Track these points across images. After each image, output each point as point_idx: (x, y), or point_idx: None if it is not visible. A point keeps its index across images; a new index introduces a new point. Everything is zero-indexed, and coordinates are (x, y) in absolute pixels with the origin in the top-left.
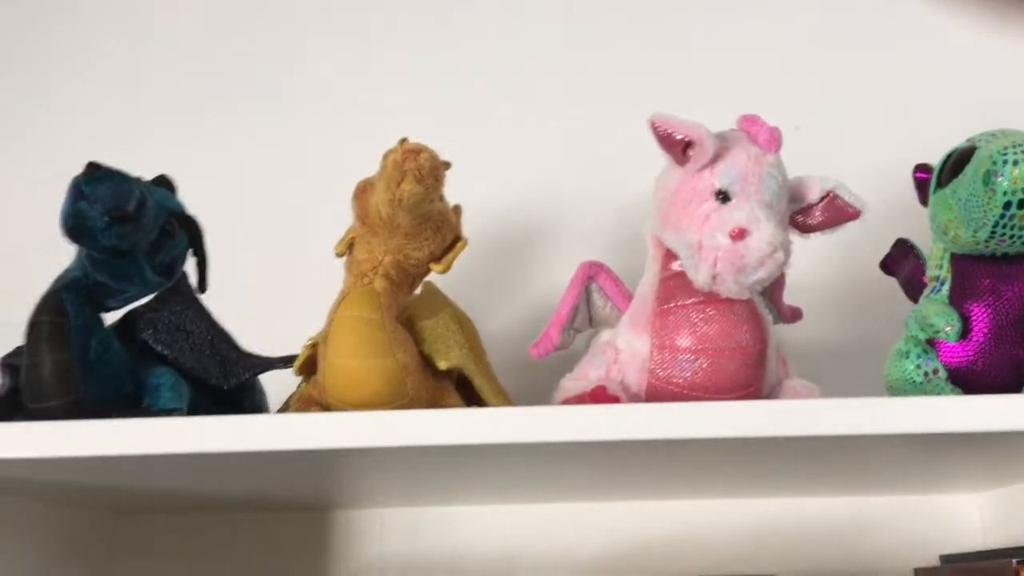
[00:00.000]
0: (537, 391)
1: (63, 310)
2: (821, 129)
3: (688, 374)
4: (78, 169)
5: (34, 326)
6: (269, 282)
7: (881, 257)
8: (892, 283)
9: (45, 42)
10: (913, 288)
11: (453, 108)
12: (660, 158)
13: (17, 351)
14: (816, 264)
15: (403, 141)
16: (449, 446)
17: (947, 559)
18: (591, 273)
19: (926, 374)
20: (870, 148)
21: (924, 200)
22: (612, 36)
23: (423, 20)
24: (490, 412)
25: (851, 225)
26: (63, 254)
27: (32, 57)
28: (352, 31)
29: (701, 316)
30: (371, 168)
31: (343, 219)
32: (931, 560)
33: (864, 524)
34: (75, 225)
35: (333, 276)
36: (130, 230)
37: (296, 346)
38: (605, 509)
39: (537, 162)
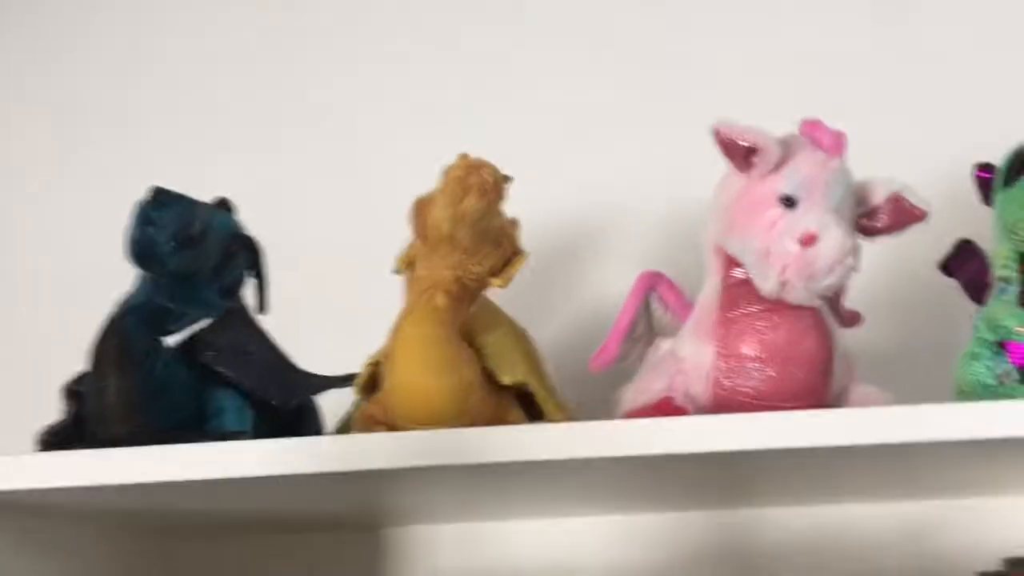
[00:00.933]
0: (591, 403)
1: (128, 334)
2: (871, 130)
3: (755, 383)
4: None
5: (99, 352)
6: (322, 302)
7: (936, 258)
8: (943, 284)
9: (113, 65)
10: (977, 289)
11: (505, 118)
12: (712, 166)
13: (79, 378)
14: (869, 266)
15: (464, 156)
16: (526, 462)
17: (1010, 563)
18: (652, 283)
19: (998, 376)
20: (920, 149)
21: (987, 200)
22: (664, 44)
23: (476, 35)
24: (567, 428)
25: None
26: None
27: (97, 76)
28: (406, 47)
29: (767, 324)
30: (425, 184)
31: (397, 237)
32: (993, 563)
33: (925, 528)
34: (142, 251)
35: (387, 294)
36: (195, 254)
37: (350, 366)
38: (663, 520)
39: (586, 172)
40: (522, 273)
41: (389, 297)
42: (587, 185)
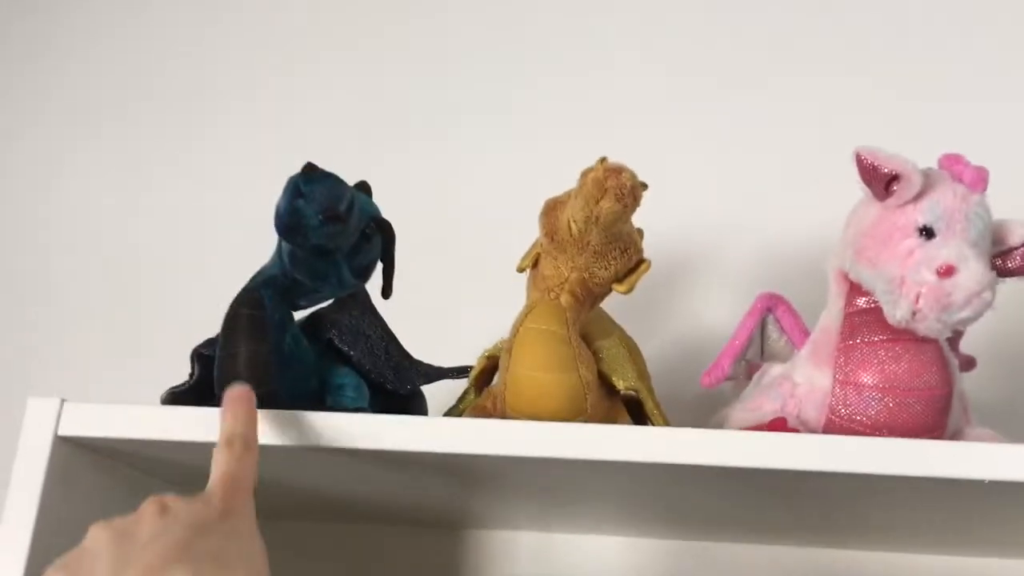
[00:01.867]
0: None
1: (262, 304)
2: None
3: (873, 412)
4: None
5: (233, 318)
6: (436, 295)
7: None
8: None
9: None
10: None
11: (616, 132)
12: (824, 192)
13: (208, 342)
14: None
15: (603, 160)
16: (632, 463)
17: None
18: (770, 305)
19: None
20: None
21: None
22: (774, 65)
23: (583, 48)
24: (693, 432)
25: None
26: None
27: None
28: (522, 51)
29: (889, 354)
30: (548, 184)
31: (515, 236)
32: None
33: None
34: (290, 222)
35: (497, 292)
36: (339, 231)
37: (457, 360)
38: (741, 551)
39: (692, 193)
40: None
41: (503, 295)
42: (696, 205)
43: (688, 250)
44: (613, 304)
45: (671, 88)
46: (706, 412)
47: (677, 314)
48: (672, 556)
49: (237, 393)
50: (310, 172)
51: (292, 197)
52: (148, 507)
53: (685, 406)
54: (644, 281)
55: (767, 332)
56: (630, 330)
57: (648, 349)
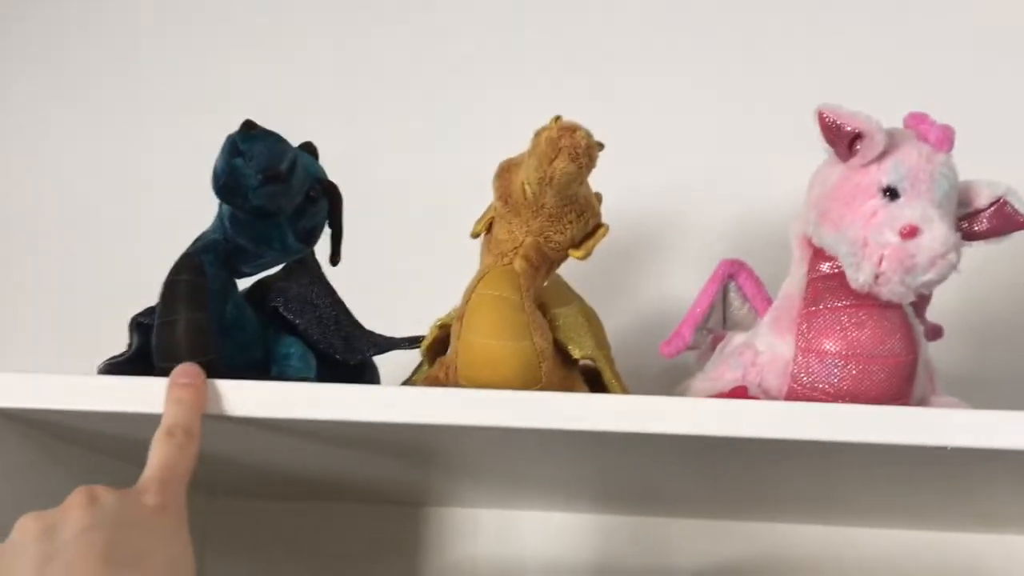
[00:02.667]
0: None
1: (202, 271)
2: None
3: (835, 380)
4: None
5: (171, 285)
6: (387, 263)
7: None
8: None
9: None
10: None
11: (577, 96)
12: (792, 160)
13: (148, 311)
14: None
15: (557, 119)
16: (586, 432)
17: None
18: (732, 271)
19: None
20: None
21: None
22: (745, 30)
23: (556, 10)
24: (637, 399)
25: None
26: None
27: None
28: (492, 12)
29: (852, 320)
30: (503, 150)
31: (469, 201)
32: None
33: (987, 562)
34: (228, 182)
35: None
36: (280, 191)
37: (410, 330)
38: (710, 527)
39: (656, 160)
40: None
41: (456, 262)
42: (661, 173)
43: (653, 219)
44: (576, 274)
45: (637, 53)
46: (671, 385)
47: (642, 286)
48: (634, 533)
49: (184, 373)
50: (249, 130)
51: (230, 156)
52: (77, 498)
53: (650, 380)
54: (608, 252)
55: (729, 300)
56: (593, 301)
57: (612, 322)
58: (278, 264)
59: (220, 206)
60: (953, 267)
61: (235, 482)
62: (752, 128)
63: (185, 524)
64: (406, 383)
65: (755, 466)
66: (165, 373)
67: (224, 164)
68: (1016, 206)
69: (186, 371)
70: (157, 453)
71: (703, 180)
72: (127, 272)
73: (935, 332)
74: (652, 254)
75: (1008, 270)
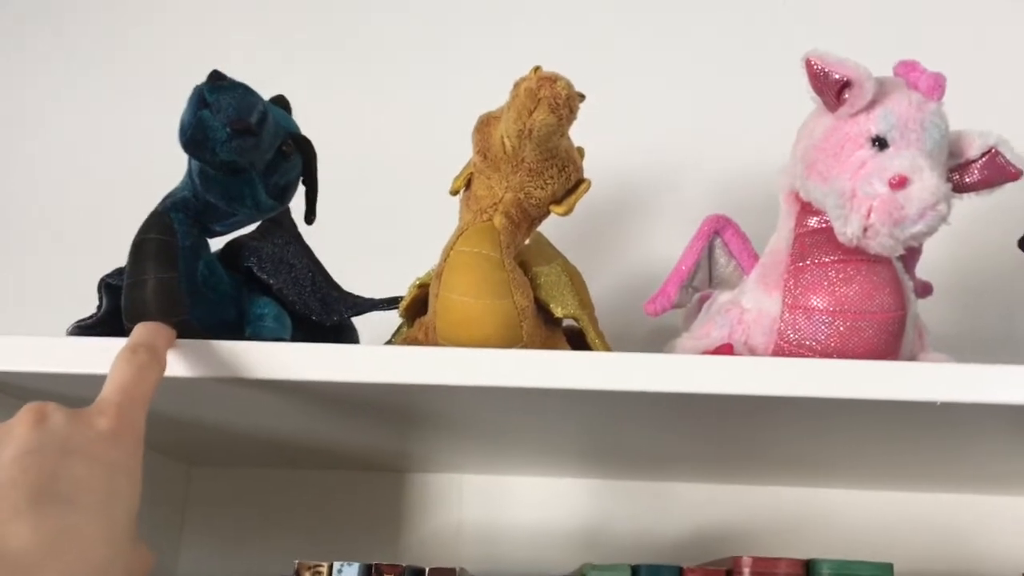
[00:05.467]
0: None
1: (171, 229)
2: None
3: (823, 337)
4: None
5: (140, 244)
6: (367, 222)
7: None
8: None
9: None
10: None
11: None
12: (781, 120)
13: (117, 271)
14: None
15: (537, 69)
16: (569, 390)
17: None
18: (717, 227)
19: None
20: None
21: None
22: None
23: None
24: (619, 356)
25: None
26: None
27: None
28: None
29: (840, 275)
30: (482, 104)
31: (448, 156)
32: None
33: (974, 523)
34: (195, 134)
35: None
36: (250, 144)
37: (391, 291)
38: (698, 489)
39: (643, 118)
40: (572, 226)
41: (439, 220)
42: (642, 134)
43: (639, 176)
44: (560, 232)
45: (623, 10)
46: (658, 347)
47: (627, 244)
48: (620, 496)
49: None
50: (216, 80)
51: (196, 107)
52: (24, 415)
53: (637, 341)
54: (593, 209)
55: (715, 257)
56: (577, 260)
57: (597, 281)
58: (252, 223)
59: (189, 161)
60: (943, 219)
61: (214, 450)
62: (738, 83)
63: (139, 454)
64: (385, 344)
65: (742, 425)
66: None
67: (190, 116)
68: (1008, 157)
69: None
70: (117, 372)
71: (689, 135)
72: (95, 232)
73: (925, 289)
74: (638, 211)
75: (998, 226)
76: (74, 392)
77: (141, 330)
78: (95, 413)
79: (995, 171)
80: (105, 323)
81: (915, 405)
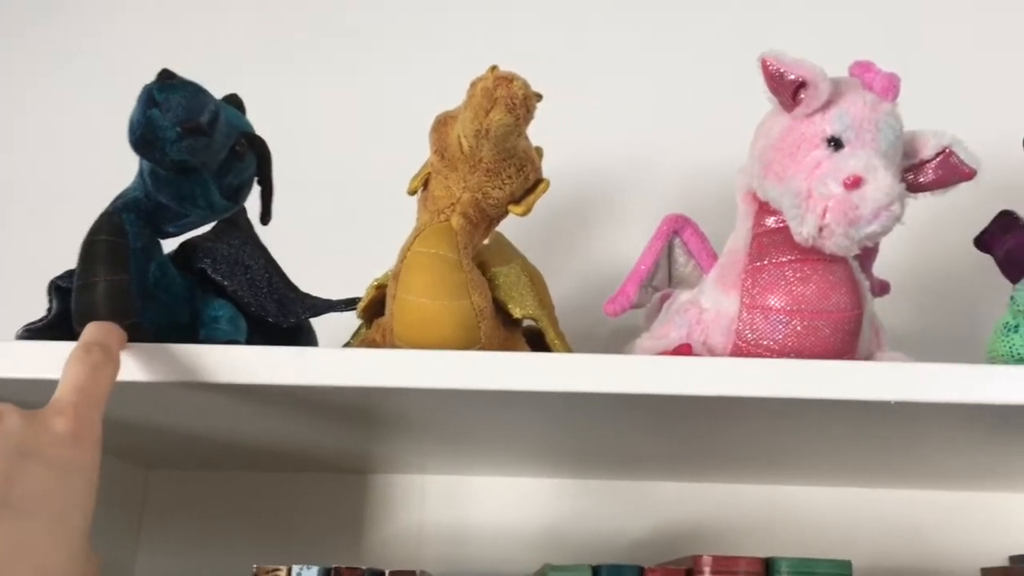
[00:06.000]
0: None
1: (122, 230)
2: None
3: (780, 336)
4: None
5: (89, 245)
6: (325, 222)
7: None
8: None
9: None
10: (1016, 263)
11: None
12: (733, 115)
13: (67, 273)
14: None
15: (493, 68)
16: (528, 392)
17: (1017, 559)
18: (676, 227)
19: None
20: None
21: None
22: None
23: None
24: (577, 358)
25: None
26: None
27: None
28: None
29: (797, 275)
30: (441, 103)
31: (406, 157)
32: (1000, 560)
33: (932, 519)
34: (144, 134)
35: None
36: (201, 145)
37: (352, 291)
38: (658, 488)
39: (600, 118)
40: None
41: (397, 220)
42: (605, 135)
43: (598, 176)
44: (519, 233)
45: (582, 11)
46: (620, 347)
47: (588, 244)
48: (582, 496)
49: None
50: (166, 79)
51: (145, 107)
52: None
53: (598, 341)
54: (553, 209)
55: (674, 257)
56: (537, 260)
57: (557, 282)
58: (205, 224)
59: (140, 161)
60: (897, 218)
61: (172, 453)
62: (697, 83)
63: (97, 455)
64: (345, 347)
65: (701, 425)
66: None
67: (139, 116)
68: (961, 156)
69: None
70: (71, 372)
71: (648, 135)
72: (45, 233)
73: (882, 288)
74: (598, 211)
75: (954, 225)
76: (24, 397)
77: (93, 329)
78: (52, 414)
79: (949, 171)
80: (55, 326)
81: (871, 404)
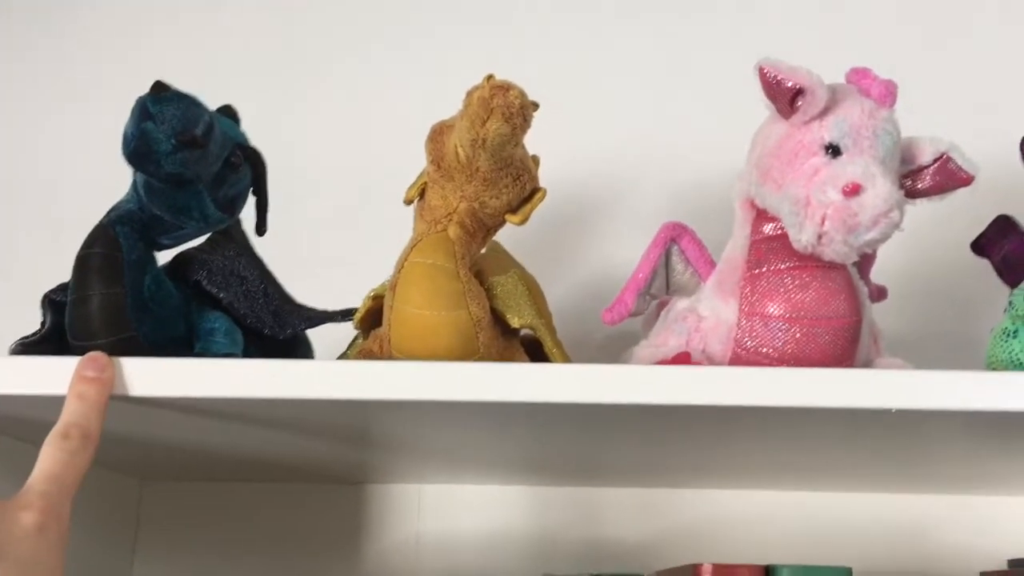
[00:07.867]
0: None
1: (116, 243)
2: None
3: (779, 343)
4: None
5: (84, 259)
6: (321, 233)
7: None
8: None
9: None
10: (1013, 268)
11: (520, 65)
12: (731, 122)
13: (61, 287)
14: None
15: (490, 77)
16: (527, 403)
17: (1015, 563)
18: (674, 235)
19: None
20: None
21: None
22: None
23: None
24: (576, 368)
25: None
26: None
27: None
28: None
29: (796, 282)
30: (437, 112)
31: (403, 167)
32: (998, 564)
33: (931, 523)
34: (139, 147)
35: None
36: (196, 157)
37: (349, 302)
38: (653, 495)
39: (597, 125)
40: (530, 235)
41: (394, 231)
42: (601, 143)
43: (595, 184)
44: (516, 242)
45: (577, 15)
46: (617, 354)
47: (585, 252)
48: (578, 503)
49: (91, 364)
50: (160, 91)
51: (140, 119)
52: None
53: (595, 349)
54: (550, 218)
55: (672, 264)
56: (534, 269)
57: (555, 290)
58: (200, 236)
59: (134, 174)
60: (896, 225)
61: (166, 465)
62: (695, 90)
63: (64, 548)
64: (341, 358)
65: (699, 434)
66: (80, 352)
67: (134, 128)
68: (959, 162)
69: (93, 361)
70: (46, 458)
71: (646, 142)
72: (39, 246)
73: (880, 293)
74: (595, 219)
75: (952, 230)
76: (18, 413)
77: (74, 406)
78: (20, 507)
79: (947, 176)
80: (49, 340)
81: (870, 412)
